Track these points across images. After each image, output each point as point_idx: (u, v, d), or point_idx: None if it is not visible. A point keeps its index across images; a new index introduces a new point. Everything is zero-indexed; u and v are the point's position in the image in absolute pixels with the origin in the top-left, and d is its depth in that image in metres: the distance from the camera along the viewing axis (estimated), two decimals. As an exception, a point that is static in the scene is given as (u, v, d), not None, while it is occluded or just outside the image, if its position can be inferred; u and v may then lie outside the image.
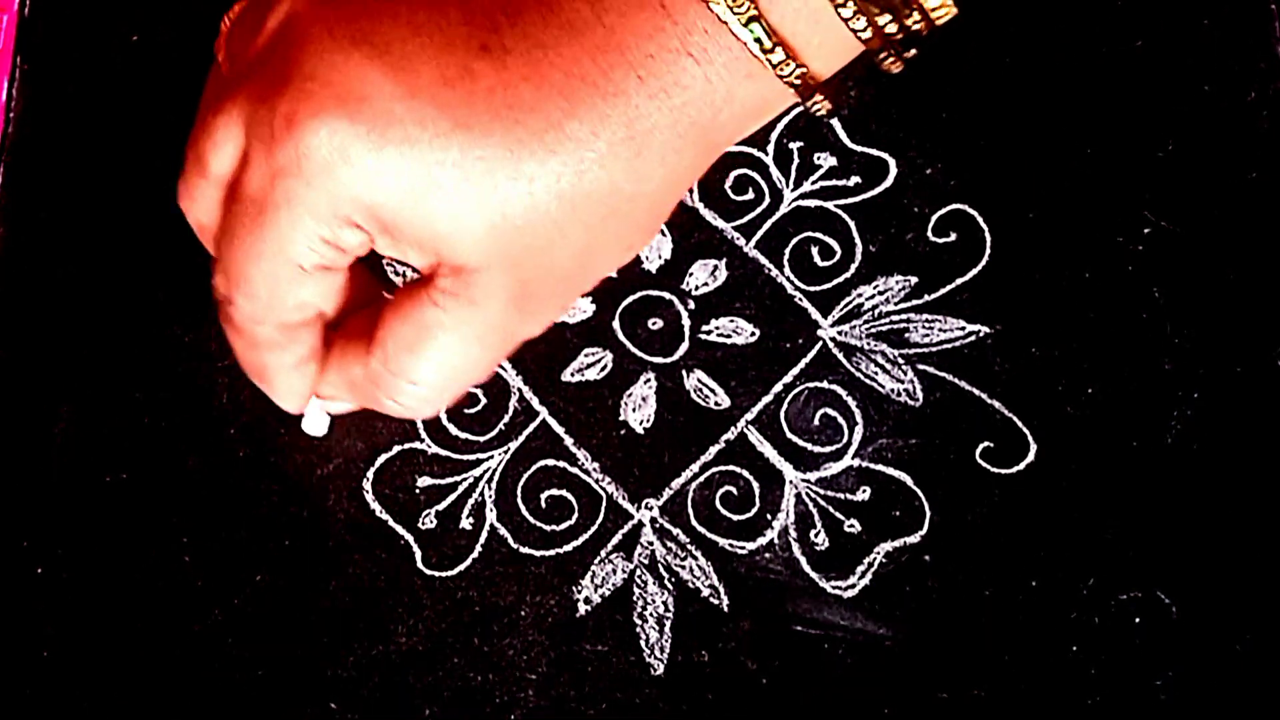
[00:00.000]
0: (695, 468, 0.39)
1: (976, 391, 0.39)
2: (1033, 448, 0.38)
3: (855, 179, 0.41)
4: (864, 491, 0.38)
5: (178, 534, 0.38)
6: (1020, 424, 0.39)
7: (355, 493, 0.39)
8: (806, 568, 0.38)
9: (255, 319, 0.32)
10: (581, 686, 0.37)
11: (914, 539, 0.38)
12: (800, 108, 0.31)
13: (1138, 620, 0.37)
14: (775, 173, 0.41)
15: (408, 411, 0.33)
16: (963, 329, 0.39)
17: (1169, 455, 0.38)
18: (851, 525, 0.38)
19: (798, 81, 0.30)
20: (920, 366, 0.39)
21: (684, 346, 0.40)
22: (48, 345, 0.40)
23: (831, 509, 0.38)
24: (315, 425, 0.38)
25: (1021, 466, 0.38)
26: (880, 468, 0.39)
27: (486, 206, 0.29)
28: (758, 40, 0.29)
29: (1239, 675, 0.37)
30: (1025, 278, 0.40)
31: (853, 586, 0.38)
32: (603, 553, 0.38)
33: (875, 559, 0.38)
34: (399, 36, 0.29)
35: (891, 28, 0.30)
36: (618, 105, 0.29)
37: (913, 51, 0.31)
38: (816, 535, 0.38)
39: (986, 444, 0.39)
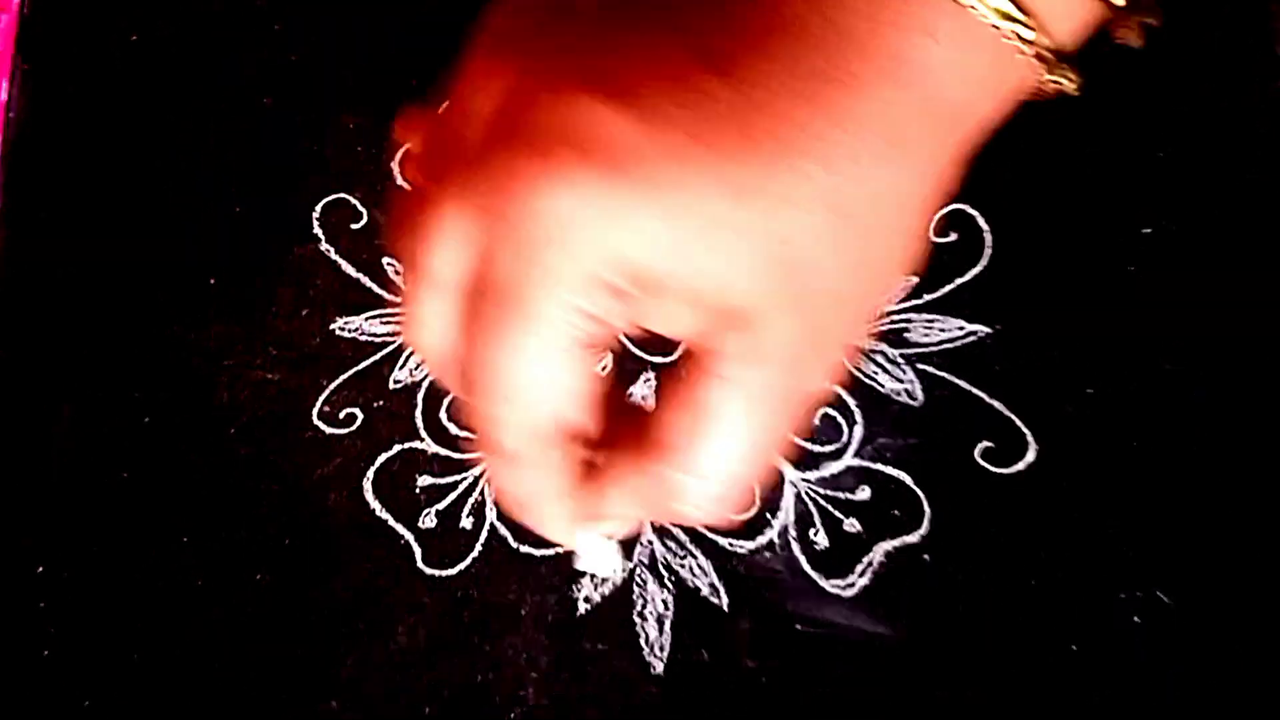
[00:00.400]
0: (695, 467, 0.39)
1: (976, 391, 0.39)
2: (1032, 447, 0.38)
3: (855, 179, 0.41)
4: (864, 491, 0.38)
5: (178, 534, 0.38)
6: (1020, 424, 0.39)
7: (355, 492, 0.39)
8: (806, 567, 0.38)
9: (518, 426, 0.29)
10: (581, 685, 0.37)
11: (913, 538, 0.38)
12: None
13: (1137, 619, 0.37)
14: (775, 173, 0.41)
15: (708, 515, 0.30)
16: (962, 329, 0.39)
17: (1168, 455, 0.38)
18: (851, 524, 0.38)
19: (1048, 55, 0.28)
20: (920, 366, 0.39)
21: (684, 346, 0.40)
22: (48, 345, 0.40)
23: (831, 508, 0.38)
24: (599, 562, 0.34)
25: (1021, 466, 0.38)
26: (880, 467, 0.39)
27: (762, 234, 0.26)
28: (1005, 14, 0.27)
29: (1239, 675, 0.37)
30: (1025, 278, 0.40)
31: (852, 586, 0.38)
32: (603, 552, 0.38)
33: (875, 558, 0.38)
34: (633, 77, 0.26)
35: None
36: (869, 99, 0.26)
37: (1154, 21, 0.29)
38: (816, 534, 0.38)
39: (986, 443, 0.39)
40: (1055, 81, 0.29)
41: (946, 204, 0.29)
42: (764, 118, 0.26)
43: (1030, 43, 0.27)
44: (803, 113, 0.26)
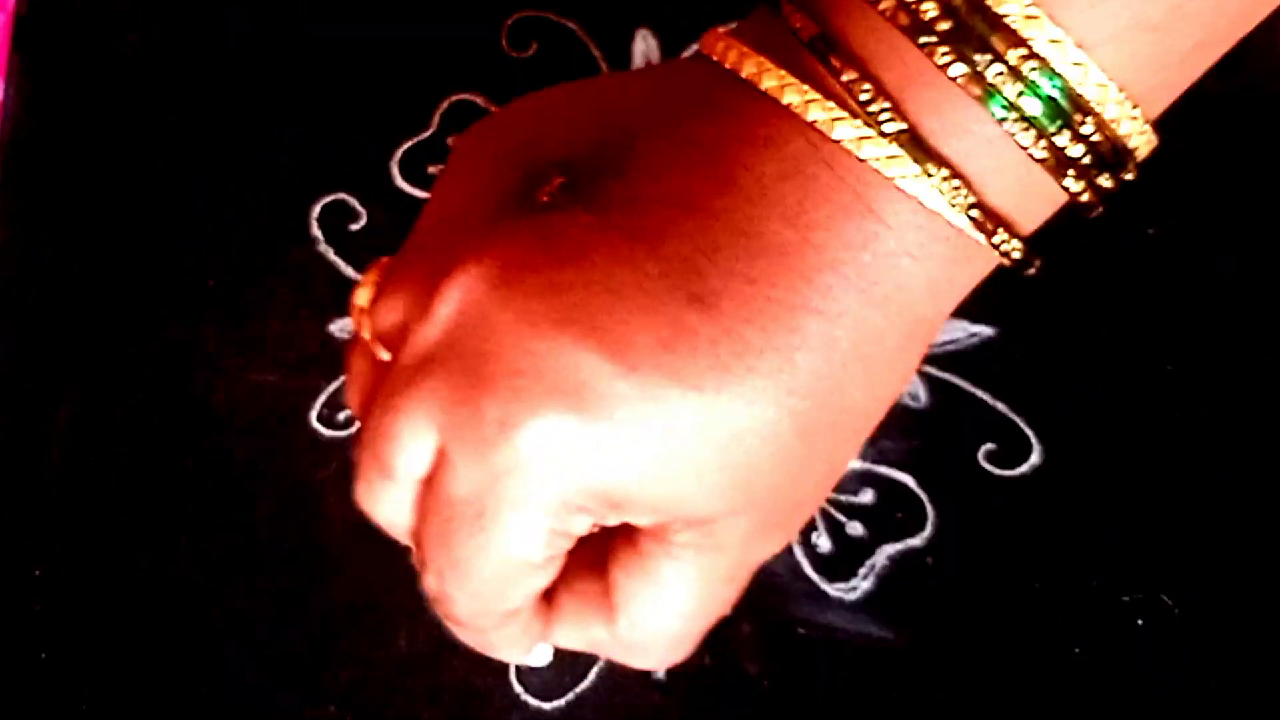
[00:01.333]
0: (696, 469, 0.39)
1: (980, 393, 0.39)
2: (1036, 449, 0.38)
3: (857, 179, 0.41)
4: (867, 493, 0.38)
5: (175, 536, 0.38)
6: (1024, 426, 0.39)
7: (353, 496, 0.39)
8: (808, 570, 0.38)
9: (478, 614, 0.30)
10: (582, 690, 0.37)
11: (917, 541, 0.38)
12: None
13: (1140, 622, 0.37)
14: (777, 173, 0.41)
15: (658, 666, 0.31)
16: (966, 330, 0.39)
17: (1172, 457, 0.38)
18: (854, 528, 0.38)
19: (1018, 255, 0.28)
20: (923, 368, 0.39)
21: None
22: (46, 346, 0.40)
23: (834, 511, 0.38)
24: (538, 659, 0.35)
25: (1025, 468, 0.38)
26: (883, 469, 0.38)
27: (730, 462, 0.26)
28: (978, 224, 0.27)
29: (1241, 677, 0.37)
30: (1029, 279, 0.40)
31: (855, 589, 0.38)
32: (604, 555, 0.38)
33: (878, 561, 0.38)
34: (601, 308, 0.26)
35: (1107, 183, 0.28)
36: (845, 325, 0.26)
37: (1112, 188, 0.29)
38: (818, 538, 0.38)
39: (990, 446, 0.39)
40: (1019, 268, 0.29)
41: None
42: (750, 356, 0.26)
43: (1004, 244, 0.27)
44: (781, 342, 0.26)
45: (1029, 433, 0.39)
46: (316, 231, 0.41)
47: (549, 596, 0.31)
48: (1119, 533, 0.38)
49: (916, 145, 0.26)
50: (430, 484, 0.28)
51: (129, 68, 0.42)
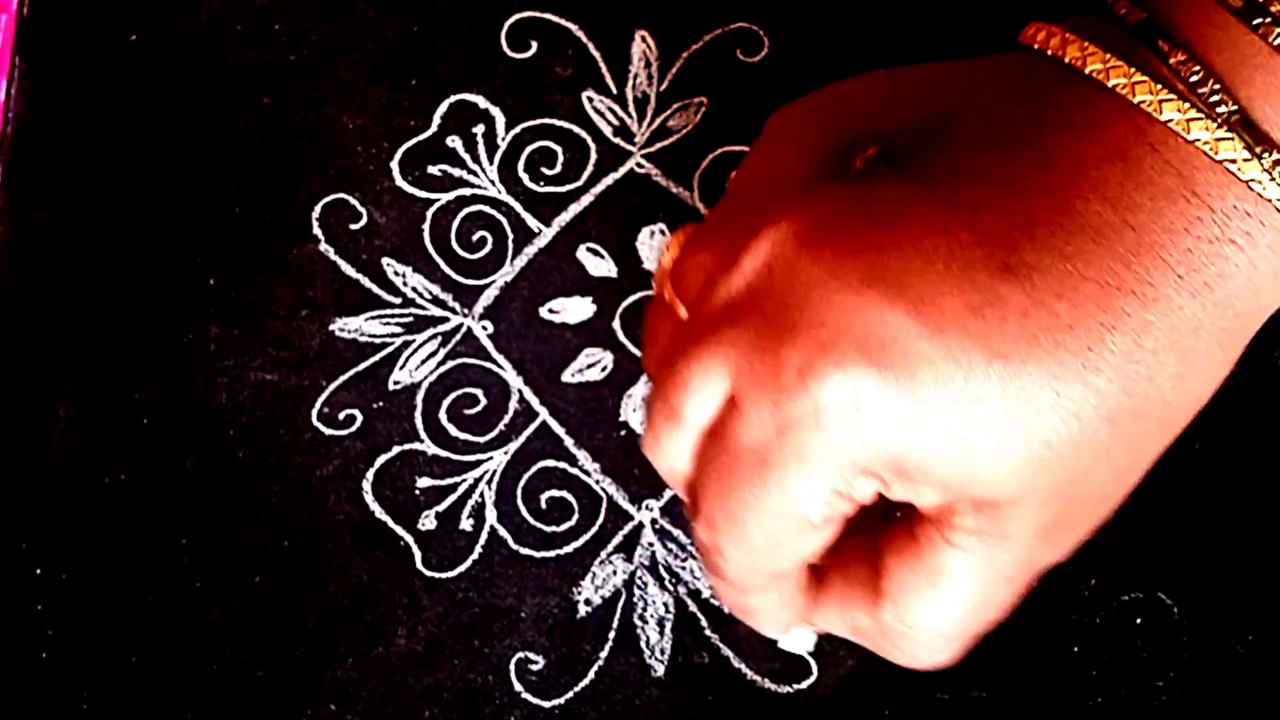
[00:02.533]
0: (696, 468, 0.39)
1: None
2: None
3: (856, 179, 0.41)
4: (865, 492, 0.38)
5: (177, 534, 0.38)
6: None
7: (355, 493, 0.39)
8: (807, 569, 0.38)
9: (748, 570, 0.30)
10: (582, 688, 0.37)
11: (915, 540, 0.38)
12: None
13: (1139, 621, 0.37)
14: (776, 173, 0.41)
15: (922, 664, 0.30)
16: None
17: (1170, 456, 0.38)
18: (852, 526, 0.38)
19: None
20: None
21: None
22: (48, 346, 0.40)
23: (832, 510, 0.38)
24: (799, 644, 0.35)
25: (1023, 467, 0.38)
26: (881, 469, 0.38)
27: (1030, 439, 0.26)
28: None
29: (1241, 676, 0.37)
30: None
31: (854, 588, 0.38)
32: (603, 554, 0.38)
33: (876, 560, 0.38)
34: (913, 269, 0.26)
35: None
36: (1159, 310, 0.26)
37: None
38: (817, 536, 0.38)
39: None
40: None
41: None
42: (1059, 330, 0.26)
43: None
44: (1093, 321, 0.26)
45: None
46: (317, 231, 0.41)
47: (818, 578, 0.31)
48: (1117, 532, 0.38)
49: (1248, 128, 0.25)
50: (715, 433, 0.28)
51: (129, 68, 0.42)
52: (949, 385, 0.25)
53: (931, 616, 0.29)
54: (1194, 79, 0.26)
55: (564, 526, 0.38)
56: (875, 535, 0.30)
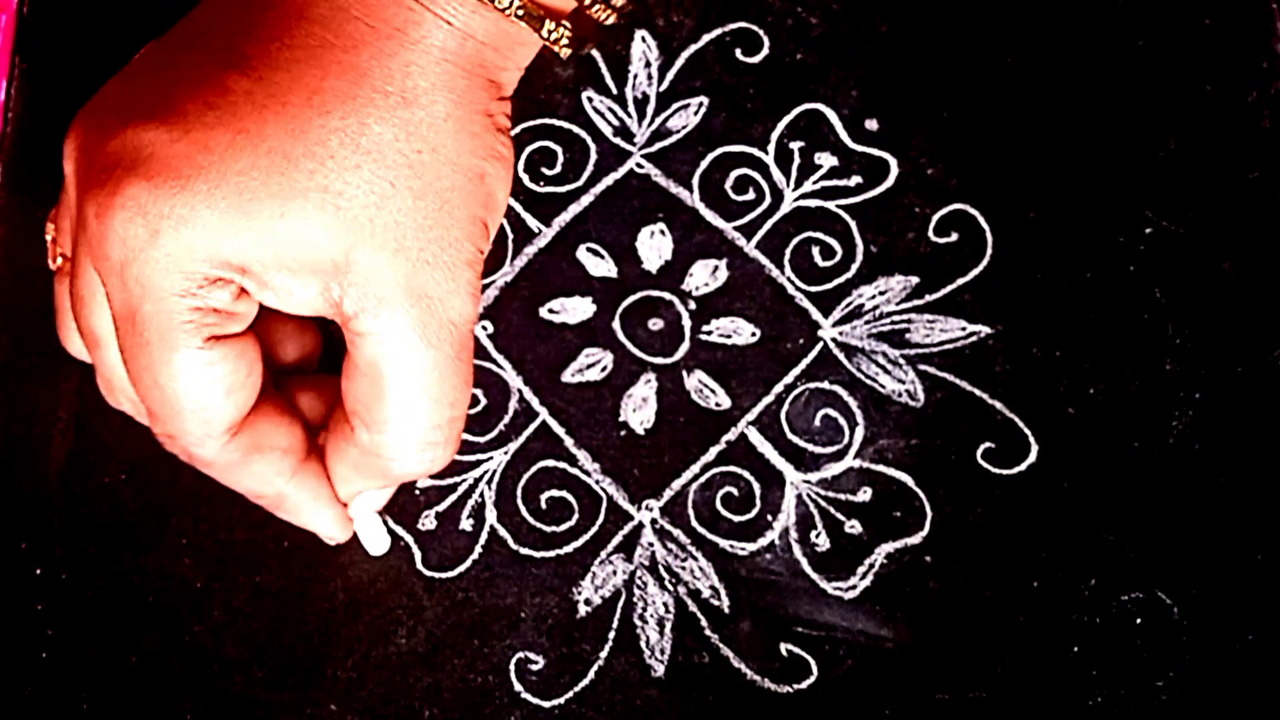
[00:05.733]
0: (696, 468, 0.39)
1: (978, 392, 0.39)
2: (1034, 448, 0.38)
3: (856, 179, 0.41)
4: (865, 492, 0.38)
5: (176, 535, 0.38)
6: (1021, 425, 0.39)
7: (355, 493, 0.39)
8: (807, 569, 0.38)
9: (202, 434, 0.32)
10: (581, 688, 0.37)
11: (915, 540, 0.38)
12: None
13: (1139, 621, 0.37)
14: (776, 173, 0.41)
15: (422, 468, 0.33)
16: (964, 329, 0.39)
17: (1170, 456, 0.38)
18: (852, 526, 0.38)
19: (520, 13, 0.31)
20: (921, 367, 0.39)
21: (684, 347, 0.40)
22: (48, 346, 0.40)
23: (832, 510, 0.38)
24: (372, 541, 0.37)
25: (1023, 467, 0.38)
26: (881, 468, 0.38)
27: (303, 189, 0.29)
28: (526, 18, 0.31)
29: (1240, 676, 0.37)
30: (1027, 278, 0.40)
31: (854, 588, 0.38)
32: (603, 554, 0.38)
33: (876, 560, 0.38)
34: (156, 96, 0.30)
35: None
36: (364, 55, 0.30)
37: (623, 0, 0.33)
38: (817, 536, 0.38)
39: (988, 444, 0.39)
40: (545, 38, 0.33)
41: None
42: (284, 94, 0.30)
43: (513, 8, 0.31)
44: (314, 79, 0.30)
45: (1027, 431, 0.39)
46: (316, 231, 0.41)
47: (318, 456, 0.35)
48: (1117, 531, 0.38)
49: None
50: (115, 332, 0.31)
51: (129, 68, 0.42)
52: (210, 171, 0.29)
53: (393, 408, 0.31)
54: None
55: (564, 526, 0.38)
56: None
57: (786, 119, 0.41)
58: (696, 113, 0.41)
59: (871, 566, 0.38)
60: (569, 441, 0.39)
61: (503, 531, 0.38)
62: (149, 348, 0.30)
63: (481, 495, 0.39)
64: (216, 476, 0.34)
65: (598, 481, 0.39)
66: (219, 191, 0.29)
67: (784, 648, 0.37)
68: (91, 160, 0.30)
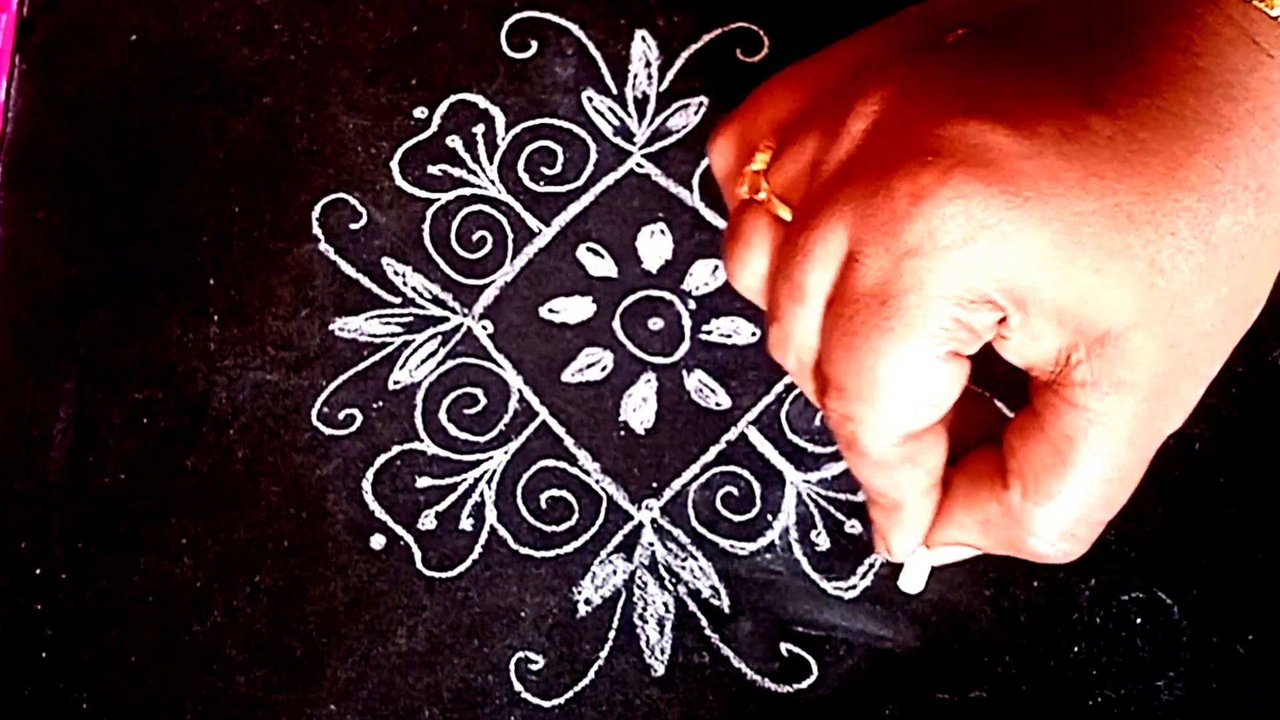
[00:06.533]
0: (696, 468, 0.39)
1: (977, 391, 0.39)
2: (1034, 448, 0.38)
3: (856, 179, 0.41)
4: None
5: (176, 535, 0.38)
6: (1021, 424, 0.39)
7: (355, 493, 0.39)
8: (807, 568, 0.38)
9: (882, 429, 0.30)
10: (581, 688, 0.37)
11: (915, 540, 0.38)
12: None
13: (1139, 620, 0.37)
14: (776, 172, 0.41)
15: (1054, 554, 0.31)
16: (964, 329, 0.39)
17: (1170, 455, 0.38)
18: (852, 526, 0.38)
19: None
20: (921, 367, 0.39)
21: (685, 347, 0.40)
22: (48, 346, 0.40)
23: (833, 509, 0.38)
24: (915, 581, 0.35)
25: (1023, 467, 0.38)
26: (881, 468, 0.38)
27: (1131, 254, 0.27)
28: None
29: (1240, 675, 0.37)
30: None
31: (854, 588, 0.38)
32: (603, 553, 0.38)
33: (876, 560, 0.38)
34: (1010, 104, 0.28)
35: None
36: (1235, 139, 0.28)
37: None
38: (817, 536, 0.38)
39: (987, 444, 0.39)
40: None
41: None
42: (1146, 154, 0.28)
43: None
44: (1177, 147, 0.28)
45: (1028, 431, 0.38)
46: (317, 231, 0.41)
47: (946, 489, 0.32)
48: (1117, 531, 0.38)
49: None
50: (837, 297, 0.29)
51: (129, 68, 0.42)
52: (1051, 201, 0.27)
53: (1059, 487, 0.29)
54: None
55: (564, 526, 0.38)
56: (1000, 443, 0.31)
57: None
58: (696, 113, 0.41)
59: (871, 566, 0.38)
60: (569, 441, 0.39)
61: (503, 531, 0.38)
62: (888, 334, 0.28)
63: (481, 495, 0.39)
64: (855, 464, 0.32)
65: (598, 481, 0.39)
66: (1050, 226, 0.27)
67: (784, 647, 0.37)
68: (911, 131, 0.28)
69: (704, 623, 0.37)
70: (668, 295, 0.40)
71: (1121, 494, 0.30)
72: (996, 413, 0.35)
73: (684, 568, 0.38)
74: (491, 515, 0.38)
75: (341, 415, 0.39)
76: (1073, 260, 0.27)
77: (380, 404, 0.39)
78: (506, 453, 0.39)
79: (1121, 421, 0.29)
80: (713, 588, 0.38)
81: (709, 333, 0.40)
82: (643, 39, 0.42)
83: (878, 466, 0.31)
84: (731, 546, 0.38)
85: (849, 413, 0.30)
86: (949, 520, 0.32)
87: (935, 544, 0.33)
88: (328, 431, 0.39)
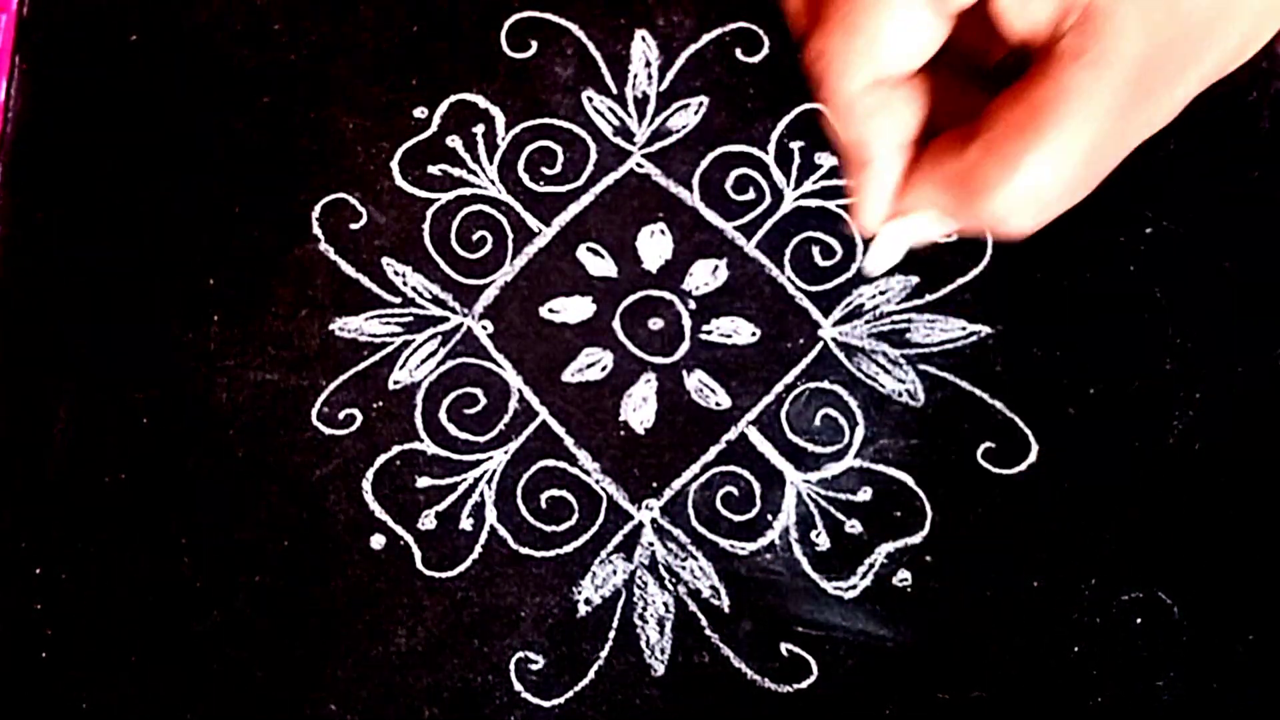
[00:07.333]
0: (696, 468, 0.39)
1: (978, 392, 0.39)
2: (1034, 448, 0.38)
3: (856, 179, 0.41)
4: (865, 492, 0.38)
5: (178, 534, 0.38)
6: (1021, 424, 0.39)
7: (355, 493, 0.39)
8: (807, 568, 0.38)
9: (857, 68, 0.30)
10: (581, 687, 0.37)
11: (915, 539, 0.38)
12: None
13: (1139, 621, 0.37)
14: (776, 173, 0.41)
15: (999, 222, 0.31)
16: (964, 329, 0.39)
17: (1170, 455, 0.38)
18: (853, 526, 0.38)
19: None
20: (921, 367, 0.39)
21: (685, 347, 0.40)
22: (46, 345, 0.40)
23: (832, 509, 0.38)
24: (880, 260, 0.35)
25: (1023, 467, 0.38)
26: (881, 468, 0.38)
27: None
28: None
29: (1240, 675, 0.37)
30: (1026, 278, 0.40)
31: (854, 587, 0.38)
32: (603, 553, 0.38)
33: (876, 560, 0.38)
34: None
35: None
36: None
37: None
38: (817, 536, 0.38)
39: (988, 444, 0.39)
40: None
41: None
42: None
43: None
44: None
45: (1027, 431, 0.39)
46: (317, 231, 0.41)
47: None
48: (1117, 531, 0.38)
49: None
50: None
51: (129, 68, 0.42)
52: None
53: (1020, 151, 0.29)
54: None
55: (564, 526, 0.38)
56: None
57: (787, 119, 0.41)
58: (696, 112, 0.41)
59: (871, 566, 0.38)
60: (569, 441, 0.39)
61: (503, 531, 0.38)
62: None
63: (481, 495, 0.39)
64: (832, 113, 0.32)
65: (598, 481, 0.39)
66: None
67: (784, 647, 0.37)
68: None
69: (704, 623, 0.37)
70: (668, 295, 0.40)
71: (1079, 179, 0.30)
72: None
73: (684, 568, 0.38)
74: (491, 515, 0.38)
75: (341, 415, 0.39)
76: None
77: (380, 404, 0.39)
78: (506, 453, 0.39)
79: (1096, 101, 0.28)
80: (713, 588, 0.38)
81: (709, 333, 0.40)
82: (643, 39, 0.42)
83: (852, 113, 0.31)
84: (731, 546, 0.38)
85: (827, 46, 0.30)
86: (916, 184, 0.32)
87: (902, 211, 0.33)
88: (328, 431, 0.39)
